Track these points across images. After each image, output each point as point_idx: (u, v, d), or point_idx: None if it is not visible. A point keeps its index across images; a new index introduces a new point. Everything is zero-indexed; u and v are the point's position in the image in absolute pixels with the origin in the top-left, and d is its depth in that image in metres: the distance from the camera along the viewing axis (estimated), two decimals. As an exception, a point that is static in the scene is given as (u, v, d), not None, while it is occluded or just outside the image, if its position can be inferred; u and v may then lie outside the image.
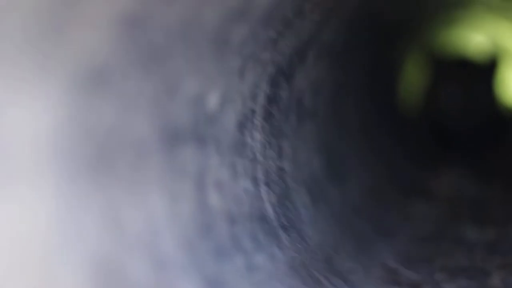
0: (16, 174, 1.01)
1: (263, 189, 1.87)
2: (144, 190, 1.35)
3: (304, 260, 1.93)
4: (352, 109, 2.96)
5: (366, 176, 2.87)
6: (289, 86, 2.09)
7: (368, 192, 2.77)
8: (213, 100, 1.60)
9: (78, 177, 1.15)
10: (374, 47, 3.23)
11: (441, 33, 4.77)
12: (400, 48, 3.93)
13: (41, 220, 1.04)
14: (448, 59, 4.59)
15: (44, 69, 1.04)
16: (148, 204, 1.35)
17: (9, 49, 0.96)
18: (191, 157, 1.54)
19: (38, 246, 1.03)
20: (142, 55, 1.26)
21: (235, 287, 1.56)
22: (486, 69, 4.39)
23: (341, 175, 2.57)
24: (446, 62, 4.46)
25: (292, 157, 2.14)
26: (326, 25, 2.19)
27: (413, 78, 5.01)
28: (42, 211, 1.05)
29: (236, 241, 1.67)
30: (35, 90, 1.02)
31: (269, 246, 1.80)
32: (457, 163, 3.85)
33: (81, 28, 1.08)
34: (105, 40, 1.14)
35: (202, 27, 1.44)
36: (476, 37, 5.09)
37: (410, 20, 3.49)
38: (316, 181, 2.30)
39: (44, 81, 1.04)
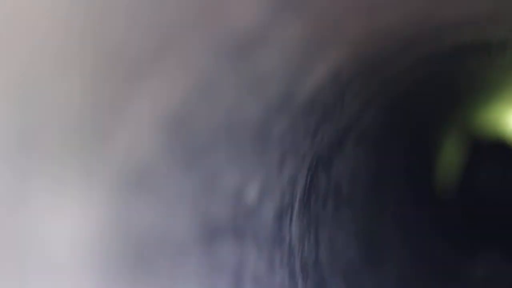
0: (56, 279, 0.99)
1: (299, 281, 1.84)
2: (182, 287, 1.33)
3: None
4: (389, 193, 2.93)
5: (403, 261, 2.82)
6: (328, 174, 2.07)
7: (404, 278, 2.72)
8: (252, 193, 1.58)
9: (117, 278, 1.13)
10: (412, 131, 3.22)
11: (479, 114, 4.75)
12: (438, 130, 3.91)
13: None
14: (486, 140, 4.56)
15: (88, 170, 1.03)
16: (186, 303, 1.33)
17: (55, 152, 0.95)
18: (229, 251, 1.52)
19: None
20: (184, 153, 1.25)
21: None
22: None
23: (377, 262, 2.53)
24: (484, 143, 4.43)
25: (329, 245, 2.11)
26: (365, 113, 2.18)
27: (451, 160, 4.98)
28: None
29: (272, 336, 1.63)
30: (78, 191, 1.01)
31: None
32: (494, 247, 3.78)
33: (126, 129, 1.07)
34: (149, 142, 1.13)
35: (244, 121, 1.43)
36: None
37: (448, 102, 3.48)
38: (352, 269, 2.26)
39: (87, 182, 1.02)
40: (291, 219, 1.83)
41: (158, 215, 1.22)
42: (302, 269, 1.88)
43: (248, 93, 1.38)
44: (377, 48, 1.73)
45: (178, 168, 1.24)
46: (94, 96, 0.99)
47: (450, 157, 4.92)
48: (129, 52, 1.00)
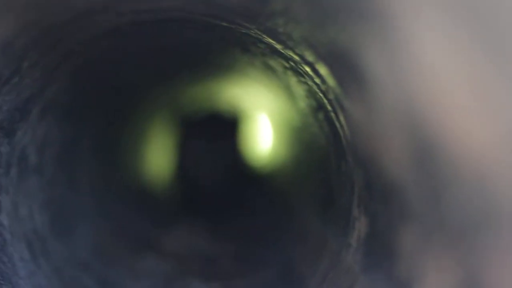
0: None
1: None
2: None
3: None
4: (84, 166, 3.00)
5: (95, 232, 2.90)
6: (10, 142, 2.10)
7: (95, 248, 2.81)
8: None
9: None
10: (111, 105, 3.29)
11: (185, 90, 4.91)
12: (142, 106, 4.01)
13: None
14: (197, 115, 4.69)
15: None
16: None
17: None
18: None
19: None
20: None
21: None
22: (231, 127, 4.52)
23: (67, 231, 2.60)
24: (192, 119, 4.55)
25: (12, 211, 2.15)
26: (50, 82, 2.23)
27: (159, 135, 5.11)
28: None
29: None
30: None
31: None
32: (193, 221, 3.95)
33: None
34: None
35: None
36: (222, 96, 5.26)
37: (151, 79, 3.58)
38: (38, 236, 2.31)
39: None
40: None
41: None
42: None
43: None
44: (51, 19, 1.79)
45: None
46: None
47: (158, 133, 5.06)
48: None
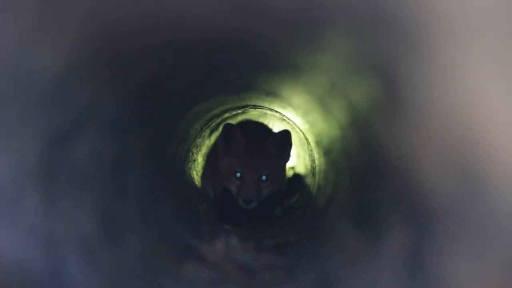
0: None
1: (31, 247, 1.98)
2: None
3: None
4: (134, 177, 3.09)
5: (142, 240, 3.00)
6: (65, 154, 2.20)
7: (143, 255, 2.91)
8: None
9: None
10: (161, 118, 3.38)
11: (233, 114, 4.99)
12: (188, 122, 4.09)
13: None
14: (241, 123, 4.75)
15: None
16: None
17: None
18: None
19: None
20: None
21: None
22: (272, 139, 4.54)
23: (116, 238, 2.69)
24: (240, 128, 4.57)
25: (66, 219, 2.24)
26: (105, 95, 2.33)
27: (203, 149, 5.18)
28: None
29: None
30: None
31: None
32: (234, 230, 4.00)
33: None
34: None
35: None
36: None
37: (196, 97, 3.67)
38: (90, 243, 2.41)
39: None
40: (25, 193, 1.97)
41: None
42: (35, 238, 2.02)
43: None
44: (107, 38, 1.90)
45: None
46: None
47: (203, 145, 5.14)
48: None
